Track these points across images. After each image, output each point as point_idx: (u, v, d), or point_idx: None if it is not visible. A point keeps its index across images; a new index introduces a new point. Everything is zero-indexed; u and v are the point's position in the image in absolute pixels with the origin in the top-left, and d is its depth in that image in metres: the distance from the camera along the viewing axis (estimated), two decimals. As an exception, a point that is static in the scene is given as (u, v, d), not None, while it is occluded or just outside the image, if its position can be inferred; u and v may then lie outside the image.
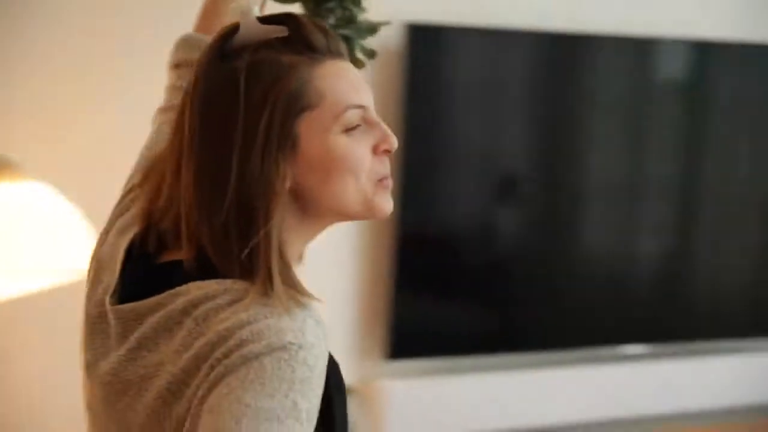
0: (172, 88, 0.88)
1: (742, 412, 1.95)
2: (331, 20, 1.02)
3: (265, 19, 0.72)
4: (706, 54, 1.91)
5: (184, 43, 0.90)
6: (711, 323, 1.94)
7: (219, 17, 0.92)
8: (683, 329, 1.90)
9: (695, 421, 1.90)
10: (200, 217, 0.61)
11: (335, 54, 0.73)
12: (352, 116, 0.71)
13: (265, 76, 0.67)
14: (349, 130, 0.70)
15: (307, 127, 0.68)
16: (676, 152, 1.93)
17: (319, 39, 0.71)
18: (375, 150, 0.73)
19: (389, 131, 0.72)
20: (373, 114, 0.74)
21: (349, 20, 1.02)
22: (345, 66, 0.74)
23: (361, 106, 0.72)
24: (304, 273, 0.66)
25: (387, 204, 0.73)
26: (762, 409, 2.00)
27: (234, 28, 0.70)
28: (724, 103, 1.94)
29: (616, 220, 1.91)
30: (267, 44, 0.69)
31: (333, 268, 1.64)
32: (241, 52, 0.68)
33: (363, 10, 1.02)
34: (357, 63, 0.96)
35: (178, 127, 0.68)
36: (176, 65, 0.89)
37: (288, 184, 0.65)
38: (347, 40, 0.98)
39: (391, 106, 1.66)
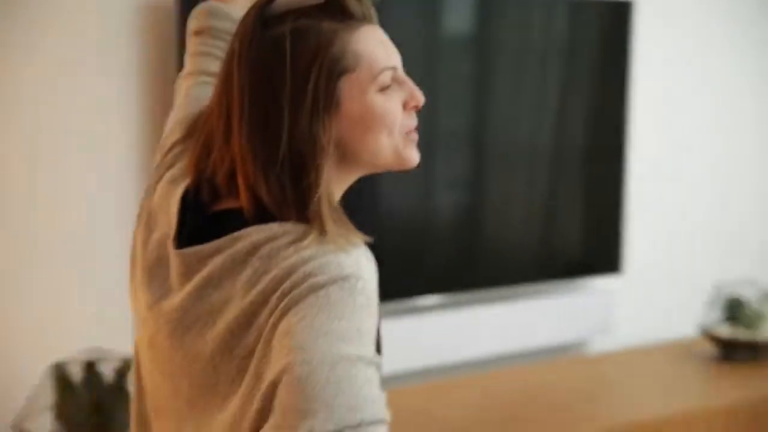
0: (195, 54, 0.94)
1: (538, 353, 2.07)
2: None
3: None
4: (492, 5, 1.96)
5: (205, 11, 0.95)
6: (503, 271, 2.02)
7: None
8: (477, 278, 1.97)
9: (494, 366, 1.98)
10: (256, 172, 0.68)
11: (369, 19, 0.82)
12: (386, 77, 0.79)
13: (309, 42, 0.74)
14: (383, 89, 0.80)
15: (348, 88, 0.77)
16: (465, 104, 1.97)
17: (354, 6, 0.80)
18: (405, 106, 0.82)
19: (417, 88, 0.81)
20: (402, 73, 0.83)
21: None
22: (377, 30, 0.83)
23: (393, 68, 0.80)
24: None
25: (415, 155, 0.82)
26: (556, 350, 2.13)
27: None
28: (510, 55, 2.01)
29: (407, 174, 1.92)
30: (306, 12, 0.76)
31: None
32: (282, 20, 0.76)
33: None
34: None
35: (223, 91, 0.74)
36: (197, 32, 0.95)
37: (333, 140, 0.72)
38: None
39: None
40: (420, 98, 0.82)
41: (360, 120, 0.78)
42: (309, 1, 0.79)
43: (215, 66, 0.87)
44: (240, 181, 0.69)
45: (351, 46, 0.79)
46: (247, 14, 0.80)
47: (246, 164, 0.70)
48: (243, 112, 0.72)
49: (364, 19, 0.82)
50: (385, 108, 0.80)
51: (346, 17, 0.80)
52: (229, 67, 0.76)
